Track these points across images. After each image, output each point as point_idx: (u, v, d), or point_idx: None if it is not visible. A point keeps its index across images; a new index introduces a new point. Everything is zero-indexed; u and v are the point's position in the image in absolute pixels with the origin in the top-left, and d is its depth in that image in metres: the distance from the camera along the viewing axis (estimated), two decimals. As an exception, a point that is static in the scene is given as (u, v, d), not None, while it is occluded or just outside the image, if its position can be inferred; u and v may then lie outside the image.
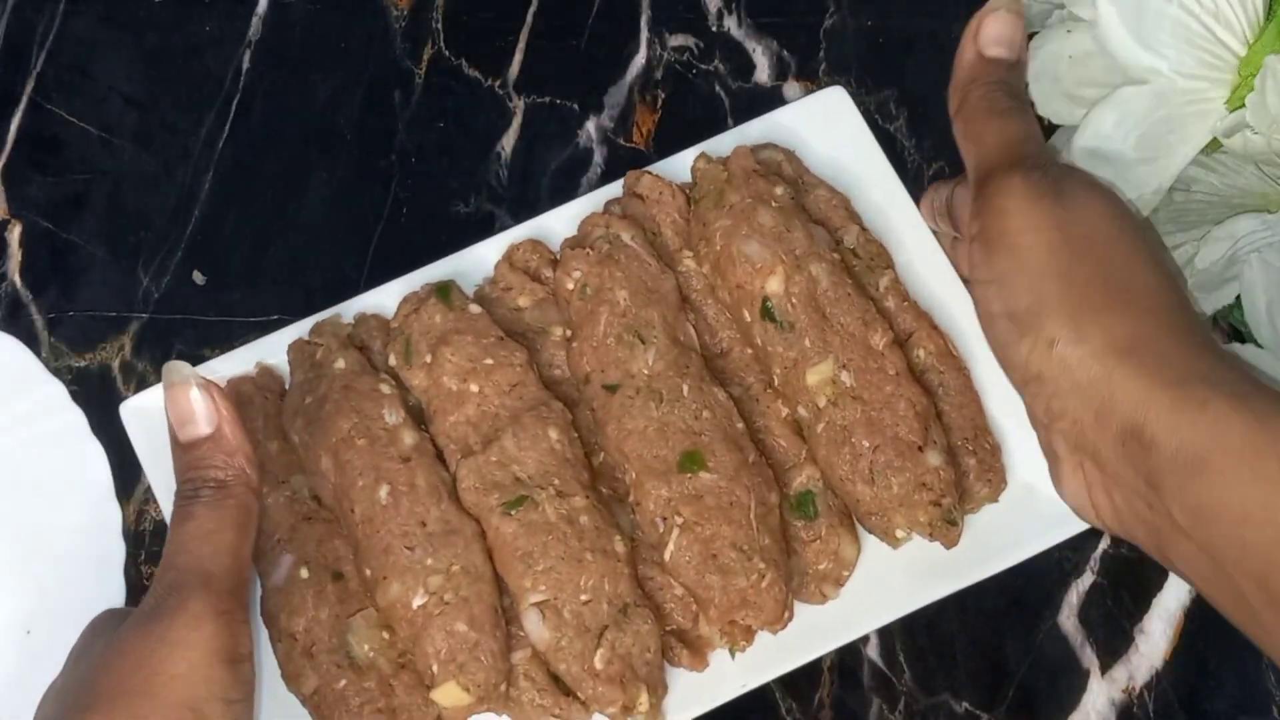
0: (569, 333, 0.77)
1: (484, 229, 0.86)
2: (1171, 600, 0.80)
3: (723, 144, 0.82)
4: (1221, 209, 0.74)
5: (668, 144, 0.87)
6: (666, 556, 0.71)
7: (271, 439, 0.76)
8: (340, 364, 0.75)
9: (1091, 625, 0.80)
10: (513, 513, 0.71)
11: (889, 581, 0.75)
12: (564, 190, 0.88)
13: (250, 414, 0.76)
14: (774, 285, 0.75)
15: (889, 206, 0.81)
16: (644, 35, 0.92)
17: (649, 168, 0.81)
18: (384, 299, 0.80)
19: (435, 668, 0.69)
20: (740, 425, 0.74)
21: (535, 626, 0.70)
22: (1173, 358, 0.59)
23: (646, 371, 0.74)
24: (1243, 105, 0.70)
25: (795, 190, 0.79)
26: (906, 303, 0.78)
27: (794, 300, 0.74)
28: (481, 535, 0.72)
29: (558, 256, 0.79)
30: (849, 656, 0.79)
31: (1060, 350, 0.61)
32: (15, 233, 0.88)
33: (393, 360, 0.76)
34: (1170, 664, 0.80)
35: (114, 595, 0.80)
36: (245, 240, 0.88)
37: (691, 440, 0.72)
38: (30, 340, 0.86)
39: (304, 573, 0.72)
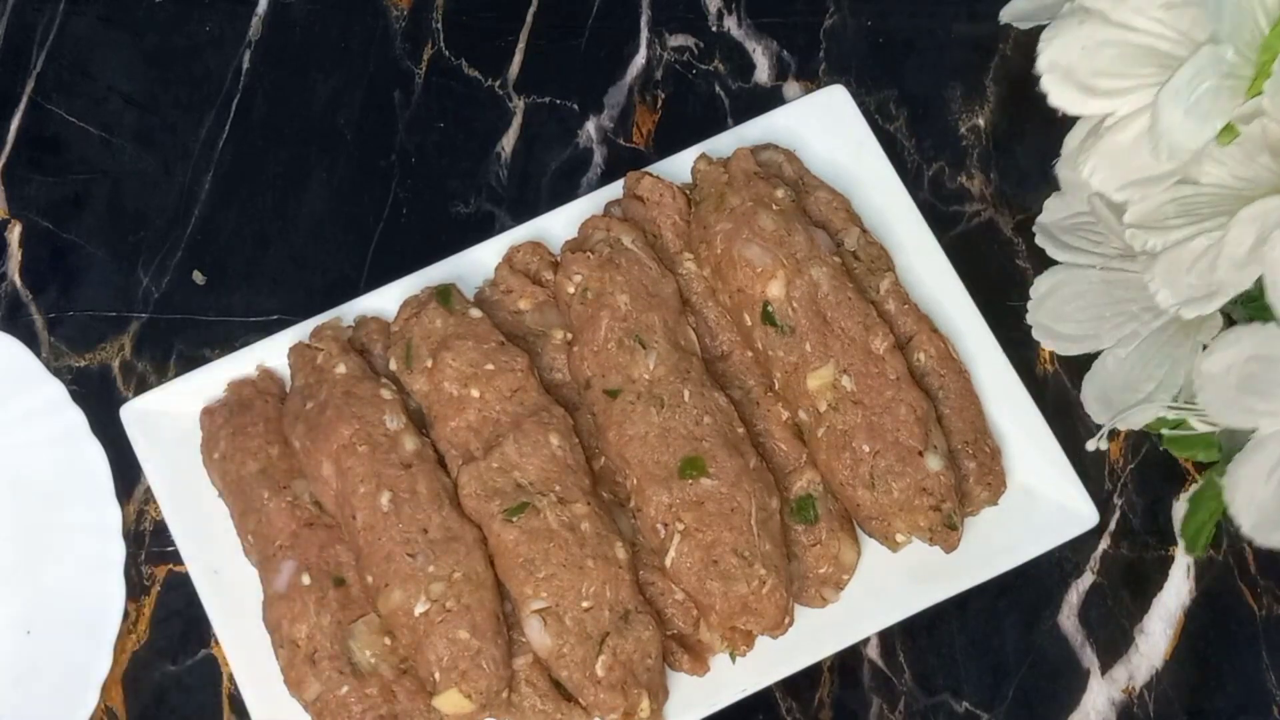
0: (570, 336, 0.77)
1: (484, 229, 0.85)
2: (1171, 600, 0.81)
3: (723, 144, 0.82)
4: (1232, 201, 0.74)
5: (668, 144, 0.87)
6: (668, 562, 0.72)
7: (272, 444, 0.76)
8: (341, 369, 0.75)
9: (1091, 625, 0.80)
10: (514, 519, 0.71)
11: (889, 585, 0.75)
12: (564, 190, 0.88)
13: (251, 418, 0.76)
14: (775, 289, 0.75)
15: (889, 207, 0.81)
16: (644, 35, 0.91)
17: (649, 168, 0.81)
18: (384, 301, 0.80)
19: (437, 674, 0.69)
20: (741, 430, 0.74)
21: (537, 633, 0.70)
22: None
23: (647, 376, 0.74)
24: (1261, 92, 0.69)
25: (796, 192, 0.79)
26: (907, 305, 0.78)
27: (795, 304, 0.74)
28: (483, 542, 0.72)
29: (558, 259, 0.79)
30: (849, 656, 0.79)
31: None
32: (15, 233, 0.88)
33: (393, 365, 0.76)
34: (1170, 664, 0.80)
35: (114, 595, 0.80)
36: (245, 240, 0.88)
37: (692, 446, 0.72)
38: (30, 340, 0.86)
39: (305, 579, 0.72)
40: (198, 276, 0.87)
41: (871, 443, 0.73)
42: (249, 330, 0.85)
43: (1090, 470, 0.81)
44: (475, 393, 0.74)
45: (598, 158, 0.89)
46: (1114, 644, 0.80)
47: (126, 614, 0.80)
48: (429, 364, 0.75)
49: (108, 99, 0.91)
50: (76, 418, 0.83)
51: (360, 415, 0.73)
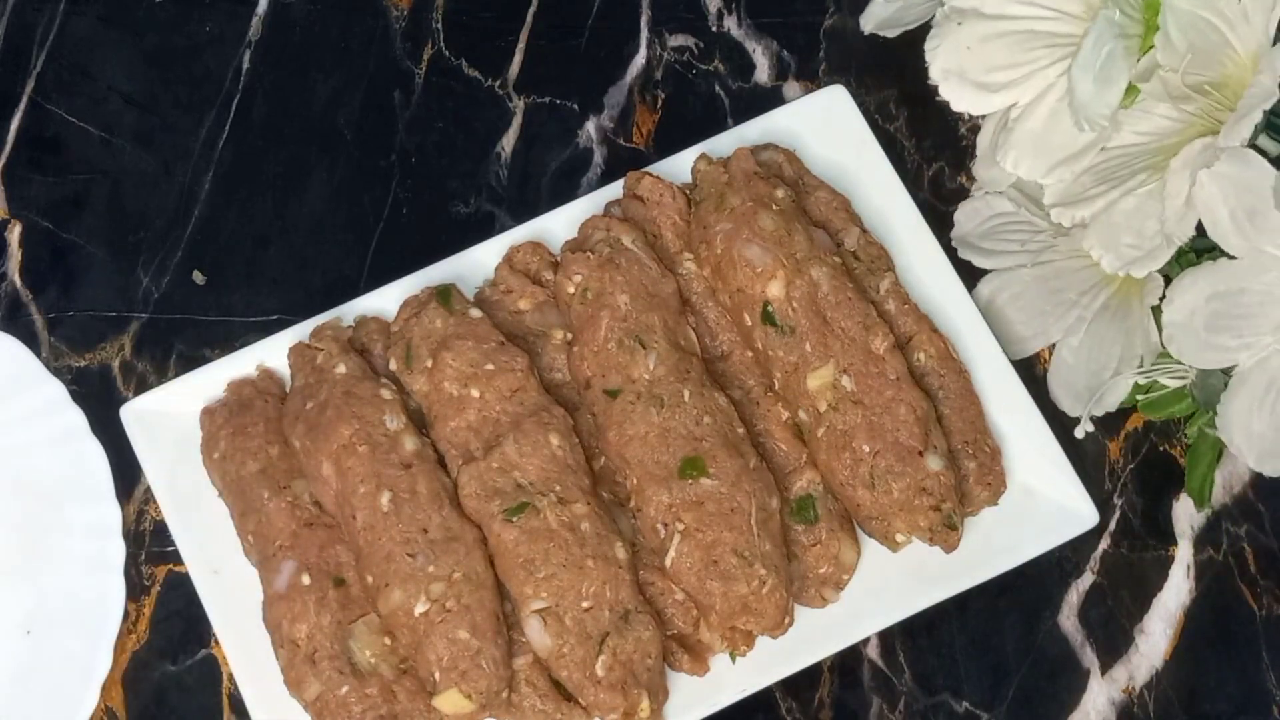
0: (570, 336, 0.77)
1: (484, 229, 0.85)
2: (1171, 600, 0.81)
3: (722, 144, 0.82)
4: (1144, 157, 0.74)
5: (668, 144, 0.87)
6: (668, 562, 0.72)
7: (272, 444, 0.76)
8: (341, 369, 0.75)
9: (1091, 625, 0.80)
10: (514, 519, 0.71)
11: (889, 585, 0.75)
12: (564, 190, 0.88)
13: (251, 418, 0.76)
14: (775, 290, 0.75)
15: (889, 207, 0.81)
16: (644, 35, 0.91)
17: (649, 168, 0.81)
18: (384, 301, 0.80)
19: (437, 675, 0.69)
20: (741, 430, 0.74)
21: (537, 633, 0.70)
22: None
23: (647, 377, 0.74)
24: (1152, 47, 0.70)
25: (796, 192, 0.79)
26: (907, 305, 0.78)
27: (795, 305, 0.74)
28: (483, 542, 0.72)
29: (558, 259, 0.79)
30: (849, 656, 0.79)
31: None
32: (15, 233, 0.88)
33: (393, 365, 0.76)
34: (1170, 664, 0.80)
35: (114, 595, 0.80)
36: (245, 240, 0.88)
37: (693, 446, 0.72)
38: (30, 340, 0.85)
39: (305, 579, 0.72)
40: (198, 276, 0.87)
41: (871, 443, 0.73)
42: (249, 330, 0.85)
43: (1090, 470, 0.81)
44: (475, 393, 0.74)
45: (598, 158, 0.89)
46: (1114, 644, 0.80)
47: (126, 614, 0.80)
48: (429, 364, 0.75)
49: (108, 99, 0.91)
50: (76, 418, 0.83)
51: (360, 415, 0.73)
